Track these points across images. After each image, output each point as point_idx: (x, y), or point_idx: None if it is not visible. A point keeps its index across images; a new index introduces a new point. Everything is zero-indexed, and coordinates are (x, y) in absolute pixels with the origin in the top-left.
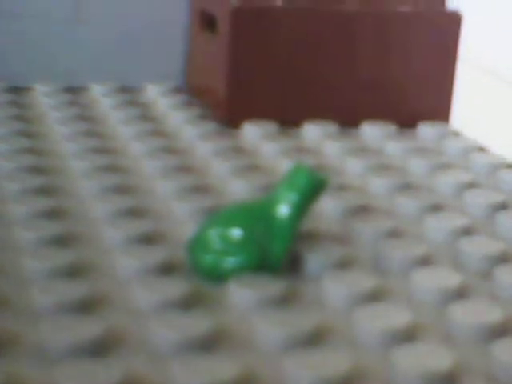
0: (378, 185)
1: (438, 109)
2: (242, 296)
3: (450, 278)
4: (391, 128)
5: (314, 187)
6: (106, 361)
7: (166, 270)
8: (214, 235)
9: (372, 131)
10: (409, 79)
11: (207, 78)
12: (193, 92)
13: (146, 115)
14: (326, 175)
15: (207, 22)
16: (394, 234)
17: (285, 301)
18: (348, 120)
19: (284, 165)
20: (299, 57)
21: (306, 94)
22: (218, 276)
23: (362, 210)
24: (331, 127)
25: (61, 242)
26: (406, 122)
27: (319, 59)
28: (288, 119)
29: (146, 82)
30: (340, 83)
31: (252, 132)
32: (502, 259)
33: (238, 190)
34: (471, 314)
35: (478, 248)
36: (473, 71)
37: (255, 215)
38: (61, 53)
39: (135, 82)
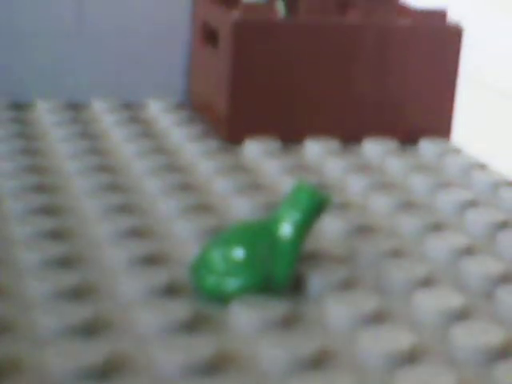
0: (380, 203)
1: (439, 125)
2: (245, 318)
3: (452, 299)
4: (392, 145)
5: (316, 206)
6: None
7: (170, 291)
8: (216, 256)
9: (373, 148)
10: (409, 95)
11: (209, 93)
12: (195, 107)
13: (148, 132)
14: (328, 194)
15: (209, 36)
16: (396, 253)
17: (287, 322)
18: (349, 136)
19: (286, 183)
20: (300, 72)
21: (307, 109)
22: (220, 297)
23: (364, 230)
24: (333, 144)
25: (64, 263)
26: (407, 138)
27: (320, 74)
28: (289, 135)
29: (148, 96)
30: (341, 99)
31: (254, 149)
32: (504, 279)
33: (241, 208)
34: (473, 336)
35: (479, 268)
36: (474, 87)
37: (258, 235)
38: (62, 69)
39: (137, 97)
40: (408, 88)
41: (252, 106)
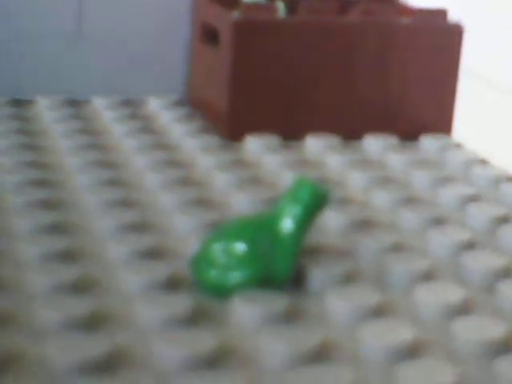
0: (381, 198)
1: (440, 121)
2: (247, 312)
3: (453, 294)
4: (393, 140)
5: (317, 201)
6: (110, 378)
7: (171, 285)
8: (218, 250)
9: (374, 144)
10: (410, 92)
11: (209, 91)
12: (195, 105)
13: (148, 128)
14: (329, 189)
15: (209, 35)
16: (397, 248)
17: (289, 317)
18: (350, 132)
19: (287, 178)
20: (301, 70)
21: (307, 106)
22: (222, 291)
23: (365, 224)
24: (333, 140)
25: (65, 257)
26: (408, 134)
27: (321, 72)
28: (290, 132)
29: (148, 94)
30: (342, 95)
31: (254, 145)
32: (505, 273)
33: (241, 203)
34: (474, 330)
35: (480, 262)
36: (475, 84)
37: (259, 229)
38: (63, 67)
39: (137, 94)
40: (409, 85)
41: (252, 104)
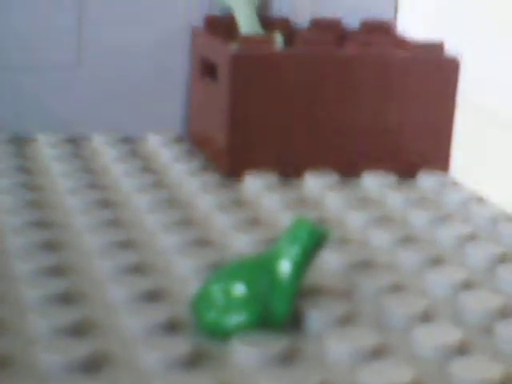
0: (380, 238)
1: (437, 157)
2: (246, 354)
3: (451, 334)
4: (391, 178)
5: (315, 241)
6: None
7: (170, 327)
8: (217, 291)
9: (372, 182)
10: (408, 127)
11: (208, 127)
12: (194, 141)
13: (147, 167)
14: (328, 229)
15: (208, 69)
16: (396, 288)
17: (288, 358)
18: (349, 169)
19: (286, 217)
20: (299, 104)
21: (306, 141)
22: (221, 333)
23: (364, 265)
24: (332, 178)
25: (65, 299)
26: (406, 170)
27: (319, 106)
28: (289, 168)
29: (148, 130)
30: (340, 131)
31: (253, 184)
32: (503, 314)
33: (241, 244)
34: (472, 371)
35: (478, 303)
36: (472, 118)
37: (258, 270)
38: (62, 103)
39: (137, 131)
40: (406, 120)
41: (251, 139)
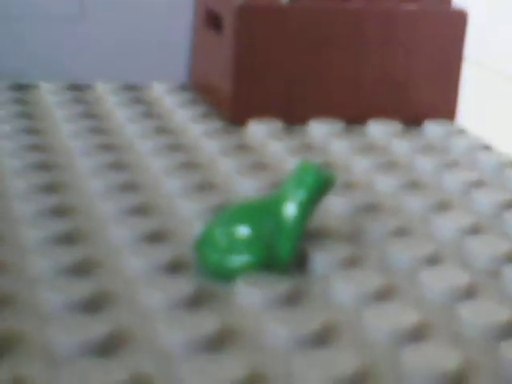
0: (385, 183)
1: (444, 106)
2: (250, 295)
3: (458, 277)
4: (397, 126)
5: (321, 185)
6: (112, 361)
7: (174, 268)
8: (220, 233)
9: (378, 129)
10: (414, 77)
11: (212, 76)
12: (198, 90)
13: (151, 113)
14: (333, 173)
15: (212, 20)
16: (402, 232)
17: (292, 299)
18: (354, 118)
19: (290, 163)
20: (304, 55)
21: (311, 91)
22: (225, 274)
23: (370, 209)
24: (337, 125)
25: (67, 240)
26: (412, 119)
27: (324, 57)
28: (293, 117)
29: (152, 79)
30: (346, 81)
31: (257, 130)
32: (510, 258)
33: (245, 187)
34: (479, 314)
35: (485, 247)
36: (478, 69)
37: (262, 213)
38: (65, 51)
39: (140, 79)
40: (413, 71)
41: (255, 88)
